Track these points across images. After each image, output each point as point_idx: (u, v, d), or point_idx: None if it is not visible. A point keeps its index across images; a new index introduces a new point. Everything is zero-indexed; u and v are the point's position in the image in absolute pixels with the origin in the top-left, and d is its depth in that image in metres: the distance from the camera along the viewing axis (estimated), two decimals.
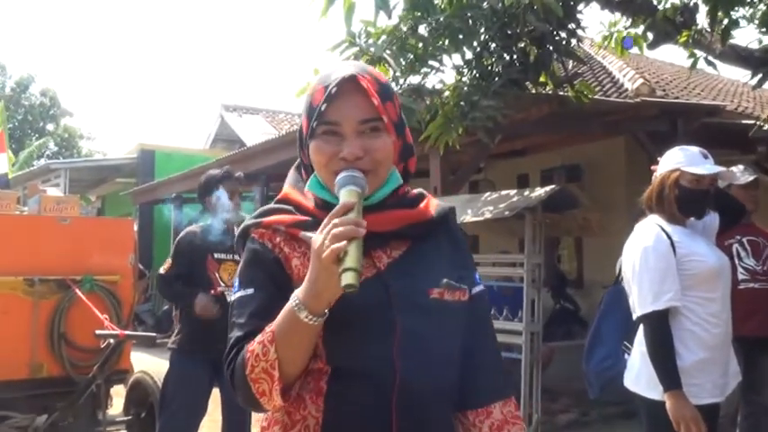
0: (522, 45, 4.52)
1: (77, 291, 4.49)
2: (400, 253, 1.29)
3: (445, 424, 1.29)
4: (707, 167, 2.44)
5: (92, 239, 4.77)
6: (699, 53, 4.80)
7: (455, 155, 5.45)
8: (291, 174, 1.39)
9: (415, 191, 1.35)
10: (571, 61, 5.25)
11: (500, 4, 4.10)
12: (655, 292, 2.36)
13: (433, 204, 1.34)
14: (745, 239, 3.69)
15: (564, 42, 4.81)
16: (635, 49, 5.43)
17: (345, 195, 1.16)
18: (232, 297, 1.30)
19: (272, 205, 1.35)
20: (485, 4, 4.26)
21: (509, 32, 4.41)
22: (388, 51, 4.21)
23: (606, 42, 5.46)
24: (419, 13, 4.27)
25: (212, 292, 3.61)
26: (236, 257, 3.48)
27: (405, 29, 4.40)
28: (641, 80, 7.03)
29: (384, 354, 1.19)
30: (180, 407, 3.57)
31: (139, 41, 62.70)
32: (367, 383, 1.20)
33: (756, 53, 5.03)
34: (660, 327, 2.36)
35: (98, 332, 4.07)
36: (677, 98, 7.06)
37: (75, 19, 60.45)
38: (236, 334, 1.23)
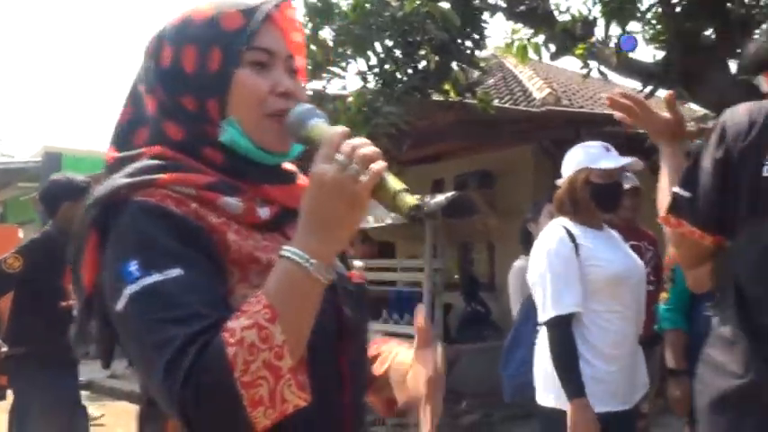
0: (424, 53, 4.58)
1: None
2: None
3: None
4: (614, 160, 2.41)
5: None
6: (593, 64, 4.99)
7: None
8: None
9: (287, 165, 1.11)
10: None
11: (400, 13, 4.15)
12: (556, 298, 2.29)
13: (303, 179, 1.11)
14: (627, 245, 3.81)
15: (468, 51, 4.90)
16: (545, 57, 5.58)
17: (329, 128, 0.91)
18: (133, 287, 0.85)
19: (150, 162, 0.95)
20: (386, 12, 4.29)
21: (410, 40, 4.46)
22: None
23: (510, 50, 5.60)
24: (319, 20, 4.26)
25: (64, 304, 3.44)
26: None
27: (308, 32, 4.39)
28: (548, 90, 7.25)
29: (330, 347, 0.99)
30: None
31: (46, 39, 60.09)
32: (315, 381, 0.91)
33: (649, 66, 5.27)
34: (562, 333, 2.28)
35: None
36: (582, 107, 7.31)
37: None
38: (181, 331, 0.81)
